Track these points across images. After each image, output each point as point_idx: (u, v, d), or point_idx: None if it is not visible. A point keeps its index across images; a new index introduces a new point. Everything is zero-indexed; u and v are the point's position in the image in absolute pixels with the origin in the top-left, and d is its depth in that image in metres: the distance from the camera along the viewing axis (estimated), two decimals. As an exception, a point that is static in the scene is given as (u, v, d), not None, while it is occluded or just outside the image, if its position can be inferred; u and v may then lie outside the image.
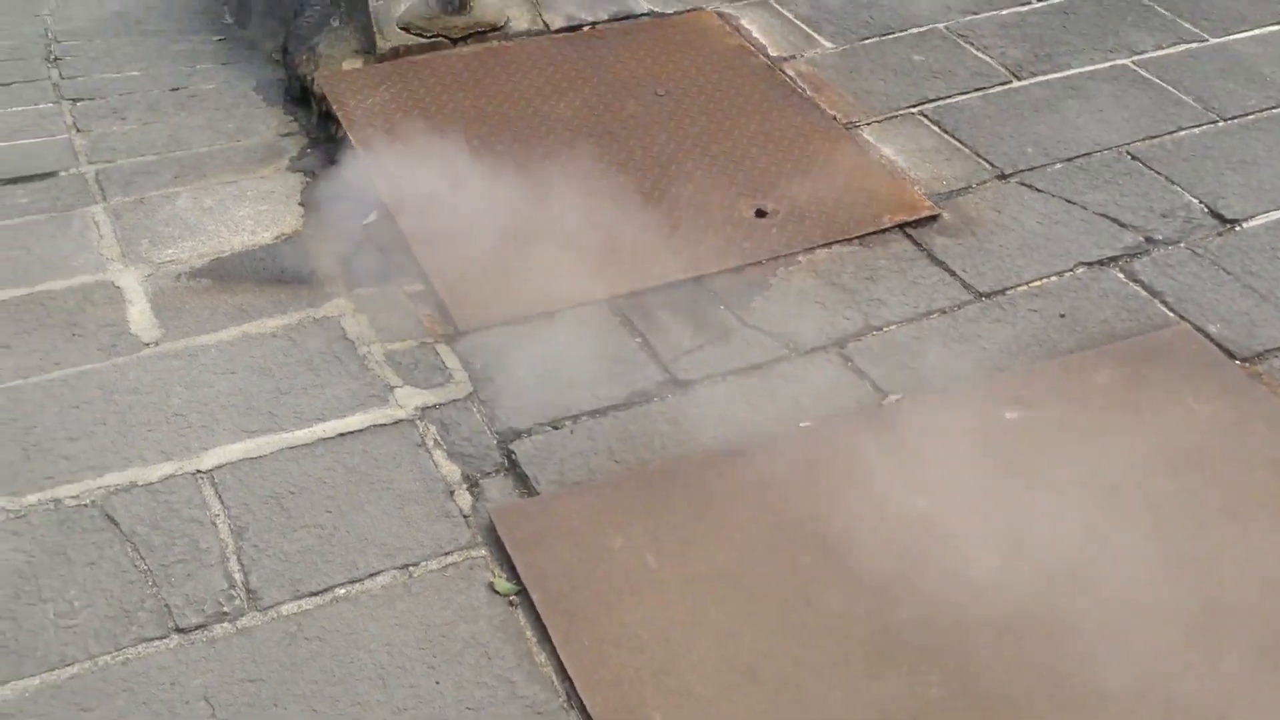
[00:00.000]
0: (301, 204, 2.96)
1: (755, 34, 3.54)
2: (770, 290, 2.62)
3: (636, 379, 2.38)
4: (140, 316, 2.51)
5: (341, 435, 2.22)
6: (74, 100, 3.75)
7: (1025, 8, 3.68)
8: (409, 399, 2.31)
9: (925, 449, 2.19)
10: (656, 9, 3.66)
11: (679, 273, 2.66)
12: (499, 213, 2.79)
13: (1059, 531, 2.03)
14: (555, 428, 2.27)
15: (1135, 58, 3.43)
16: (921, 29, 3.57)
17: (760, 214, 2.84)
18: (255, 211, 2.91)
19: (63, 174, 3.15)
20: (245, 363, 2.38)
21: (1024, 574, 1.95)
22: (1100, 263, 2.69)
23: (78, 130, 3.48)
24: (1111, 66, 3.40)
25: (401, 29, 3.45)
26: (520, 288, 2.61)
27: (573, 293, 2.60)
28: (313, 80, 3.43)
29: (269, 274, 2.67)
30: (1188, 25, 3.58)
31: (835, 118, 3.18)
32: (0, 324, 2.48)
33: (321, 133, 3.37)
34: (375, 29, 3.47)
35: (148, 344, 2.43)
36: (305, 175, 3.11)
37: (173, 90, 3.86)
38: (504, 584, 1.95)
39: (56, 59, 4.31)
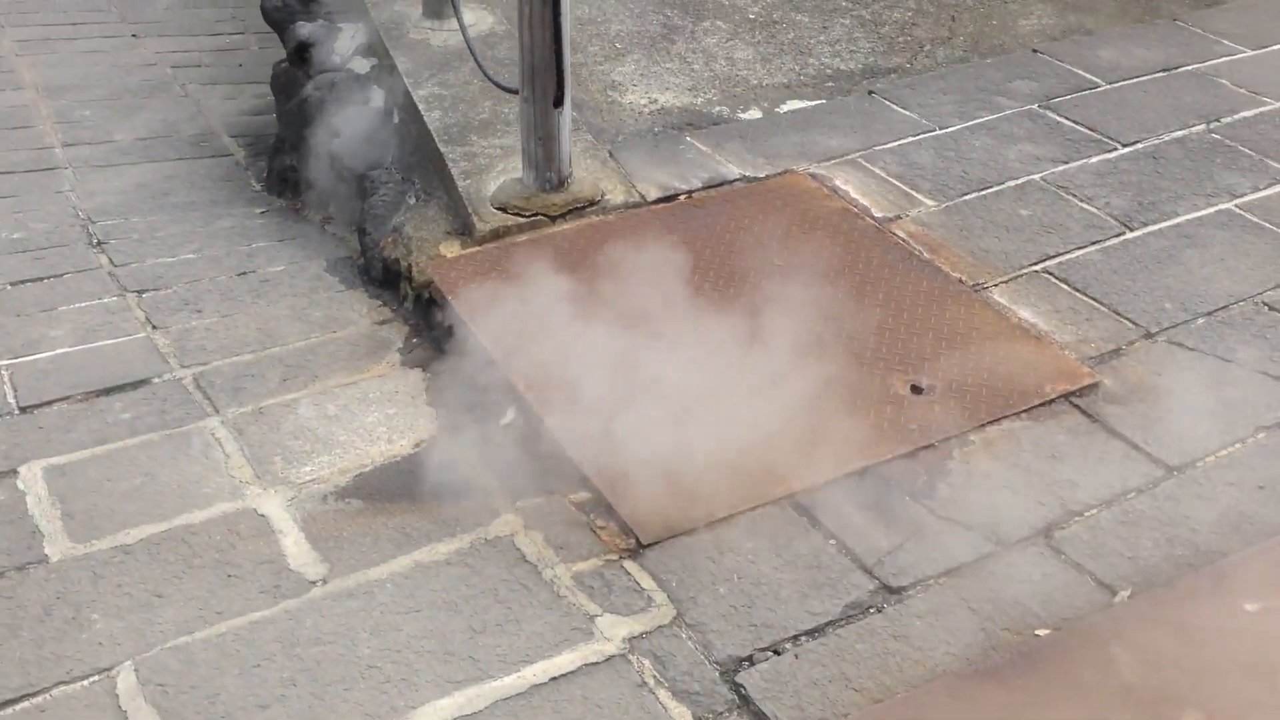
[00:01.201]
0: (430, 405, 2.81)
1: (853, 195, 3.49)
2: (952, 476, 2.50)
3: (846, 589, 2.23)
4: (297, 549, 2.32)
5: (554, 679, 2.03)
6: (138, 292, 3.59)
7: (1113, 154, 3.68)
8: (613, 629, 2.14)
9: (1182, 657, 2.05)
10: (748, 173, 3.60)
11: (853, 462, 2.53)
12: (646, 402, 2.66)
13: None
14: (777, 653, 2.10)
15: (1237, 201, 3.42)
16: (1018, 181, 3.55)
17: (916, 390, 2.73)
18: (384, 416, 2.75)
19: (156, 381, 2.98)
20: (427, 598, 2.19)
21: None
22: (1278, 425, 2.61)
23: (154, 327, 3.32)
24: (1217, 211, 3.38)
25: (498, 209, 3.35)
26: (691, 489, 2.46)
27: (747, 492, 2.45)
28: (409, 265, 3.31)
29: (421, 489, 2.50)
30: (1276, 165, 3.59)
31: (961, 280, 3.11)
32: (145, 568, 2.28)
33: (421, 320, 3.23)
34: (470, 210, 3.36)
35: (314, 582, 2.24)
36: (424, 371, 2.96)
37: (240, 275, 3.72)
38: None
39: (100, 242, 4.16)
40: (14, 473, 2.56)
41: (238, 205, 4.82)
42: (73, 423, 2.77)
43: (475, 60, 3.81)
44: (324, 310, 3.39)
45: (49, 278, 3.76)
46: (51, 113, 5.97)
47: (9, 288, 3.68)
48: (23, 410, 2.84)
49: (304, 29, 4.72)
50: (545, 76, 3.20)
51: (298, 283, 3.62)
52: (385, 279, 3.50)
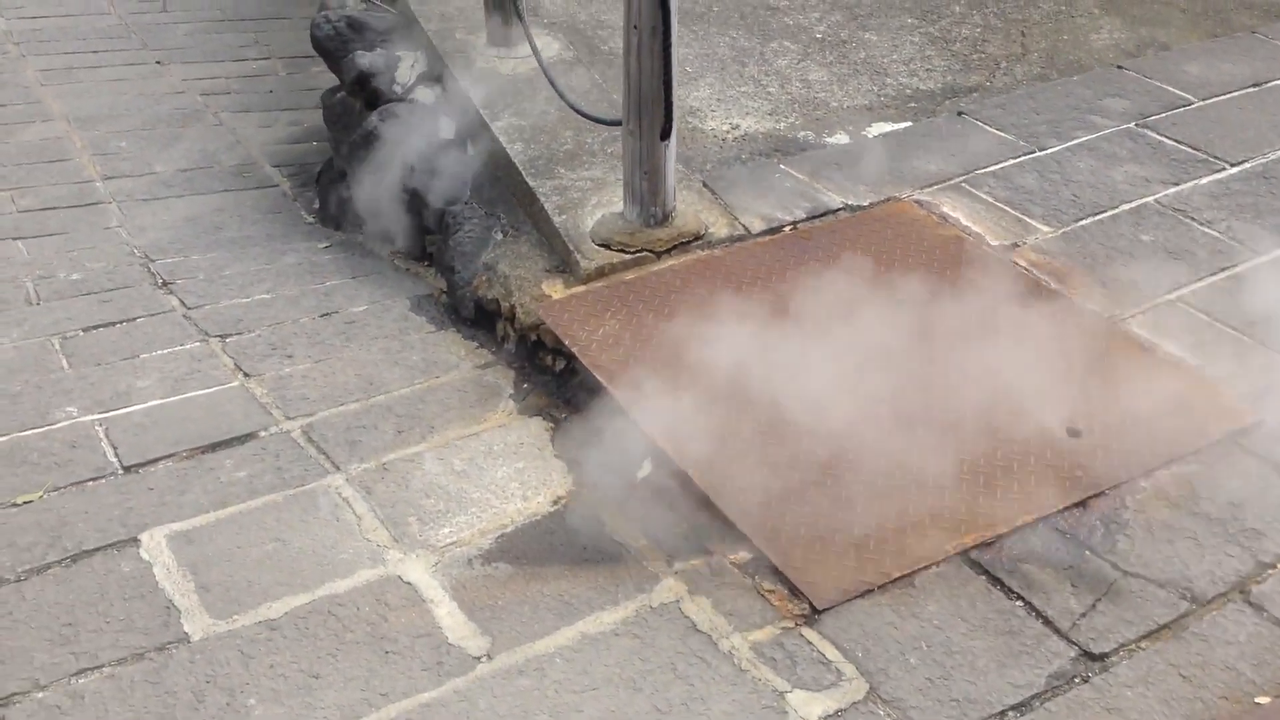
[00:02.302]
0: (558, 457, 2.67)
1: (964, 222, 3.37)
2: (1130, 527, 2.37)
3: (1046, 658, 2.10)
4: (452, 621, 2.18)
5: (756, 765, 1.90)
6: (221, 337, 3.45)
7: (1222, 174, 3.57)
8: (807, 708, 2.00)
9: None
10: (850, 201, 3.48)
11: (1024, 514, 2.40)
12: (796, 452, 2.53)
13: None
14: (986, 729, 1.97)
15: (1361, 222, 3.32)
16: (1132, 204, 3.44)
17: (1073, 433, 2.61)
18: (514, 470, 2.62)
19: (263, 434, 2.84)
20: (602, 674, 2.06)
21: None
22: None
23: (246, 375, 3.18)
24: (1343, 235, 3.28)
25: (600, 245, 3.22)
26: (858, 546, 2.33)
27: (919, 549, 2.32)
28: (511, 306, 3.17)
29: (570, 551, 2.36)
30: (1393, 183, 3.49)
31: (1096, 312, 2.99)
32: (296, 645, 2.14)
33: (526, 363, 3.10)
34: (570, 247, 3.23)
35: (478, 658, 2.10)
36: (544, 420, 2.82)
37: (323, 316, 3.58)
38: None
39: (166, 283, 4.01)
40: (135, 541, 2.42)
41: (296, 240, 4.68)
42: (185, 483, 2.63)
43: (558, 92, 3.69)
44: (420, 354, 3.25)
45: (121, 322, 3.62)
46: (87, 144, 5.82)
47: (81, 334, 3.54)
48: (127, 470, 2.69)
49: (364, 59, 4.58)
50: (653, 108, 3.07)
51: (385, 324, 3.49)
52: (477, 318, 3.38)
